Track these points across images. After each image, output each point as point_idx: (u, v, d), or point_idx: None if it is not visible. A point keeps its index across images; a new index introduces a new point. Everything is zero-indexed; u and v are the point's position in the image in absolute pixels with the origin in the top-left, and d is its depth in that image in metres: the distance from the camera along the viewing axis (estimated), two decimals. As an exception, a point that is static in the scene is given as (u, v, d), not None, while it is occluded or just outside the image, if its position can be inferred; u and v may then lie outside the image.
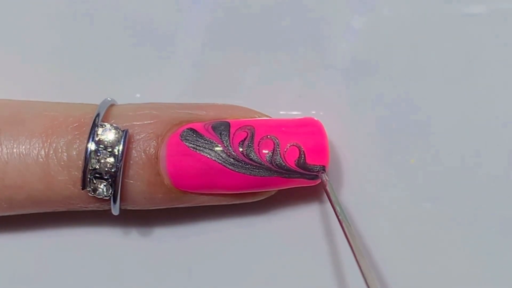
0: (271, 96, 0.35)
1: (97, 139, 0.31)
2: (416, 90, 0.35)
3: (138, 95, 0.35)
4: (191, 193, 0.32)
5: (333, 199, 0.32)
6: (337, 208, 0.32)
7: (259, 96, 0.35)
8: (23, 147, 0.32)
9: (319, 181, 0.33)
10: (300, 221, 0.35)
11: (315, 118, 0.33)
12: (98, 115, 0.32)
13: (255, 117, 0.33)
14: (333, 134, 0.35)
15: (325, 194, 0.34)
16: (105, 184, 0.31)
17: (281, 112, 0.35)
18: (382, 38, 0.35)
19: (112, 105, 0.33)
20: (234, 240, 0.35)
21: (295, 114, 0.35)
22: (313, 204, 0.35)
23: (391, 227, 0.35)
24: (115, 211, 0.32)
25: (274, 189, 0.33)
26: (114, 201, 0.32)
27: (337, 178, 0.35)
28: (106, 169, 0.31)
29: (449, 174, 0.35)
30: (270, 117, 0.34)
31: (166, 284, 0.35)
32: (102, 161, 0.31)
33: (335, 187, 0.35)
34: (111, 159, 0.31)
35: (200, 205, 0.33)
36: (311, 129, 0.33)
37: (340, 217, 0.31)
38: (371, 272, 0.30)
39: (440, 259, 0.34)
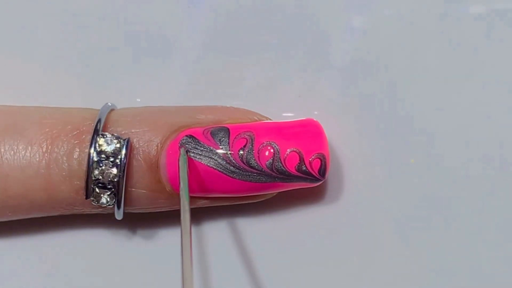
0: (271, 96, 0.36)
1: (98, 149, 0.31)
2: (416, 90, 0.35)
3: (138, 100, 0.35)
4: (192, 197, 0.33)
5: (181, 174, 0.31)
6: (181, 184, 0.31)
7: (259, 97, 0.35)
8: (24, 159, 0.32)
9: (319, 183, 0.33)
10: (300, 222, 0.35)
11: (315, 119, 0.34)
12: (98, 123, 0.32)
13: (255, 119, 0.33)
14: (333, 134, 0.35)
15: (325, 196, 0.35)
16: (108, 193, 0.31)
17: (281, 113, 0.35)
18: (382, 38, 0.35)
19: (111, 110, 0.33)
20: (234, 240, 0.35)
21: (295, 114, 0.35)
22: (313, 205, 0.35)
23: (391, 227, 0.35)
24: (119, 216, 0.33)
25: (274, 192, 0.33)
26: (118, 207, 0.32)
27: (337, 178, 0.35)
28: (109, 179, 0.31)
29: (449, 174, 0.35)
30: (270, 119, 0.34)
31: (168, 285, 0.35)
32: (105, 171, 0.31)
33: (335, 187, 0.35)
34: (114, 170, 0.31)
35: (201, 206, 0.34)
36: (310, 130, 0.33)
37: (181, 192, 0.31)
38: (189, 249, 0.29)
39: (441, 259, 0.35)
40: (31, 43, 0.36)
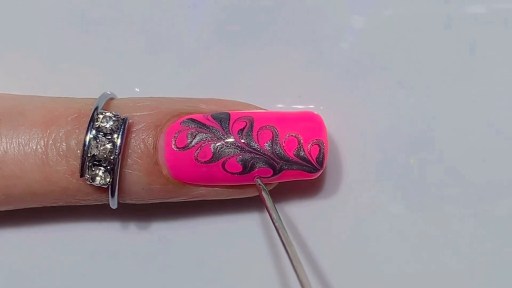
0: (271, 96, 0.36)
1: (96, 125, 0.31)
2: (416, 89, 0.35)
3: (137, 89, 0.35)
4: (189, 184, 0.32)
5: (268, 205, 0.31)
6: (273, 215, 0.31)
7: (259, 96, 0.35)
8: (23, 137, 0.32)
9: (318, 174, 0.33)
10: (299, 216, 0.34)
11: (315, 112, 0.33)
12: (97, 106, 0.32)
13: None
14: (333, 134, 0.35)
15: (323, 189, 0.34)
16: (103, 171, 0.31)
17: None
18: (382, 38, 0.35)
19: (111, 98, 0.33)
20: (232, 235, 0.35)
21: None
22: (312, 198, 0.35)
23: (390, 226, 0.34)
24: (113, 204, 0.32)
25: (273, 183, 0.33)
26: (112, 191, 0.31)
27: (337, 177, 0.35)
28: (105, 156, 0.31)
29: (449, 174, 0.34)
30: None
31: (165, 279, 0.34)
32: (101, 147, 0.31)
33: (334, 185, 0.35)
34: (110, 146, 0.31)
35: (198, 199, 0.33)
36: (310, 123, 0.33)
37: (276, 224, 0.31)
38: (307, 279, 0.29)
39: (440, 259, 0.34)
40: (31, 36, 0.36)
